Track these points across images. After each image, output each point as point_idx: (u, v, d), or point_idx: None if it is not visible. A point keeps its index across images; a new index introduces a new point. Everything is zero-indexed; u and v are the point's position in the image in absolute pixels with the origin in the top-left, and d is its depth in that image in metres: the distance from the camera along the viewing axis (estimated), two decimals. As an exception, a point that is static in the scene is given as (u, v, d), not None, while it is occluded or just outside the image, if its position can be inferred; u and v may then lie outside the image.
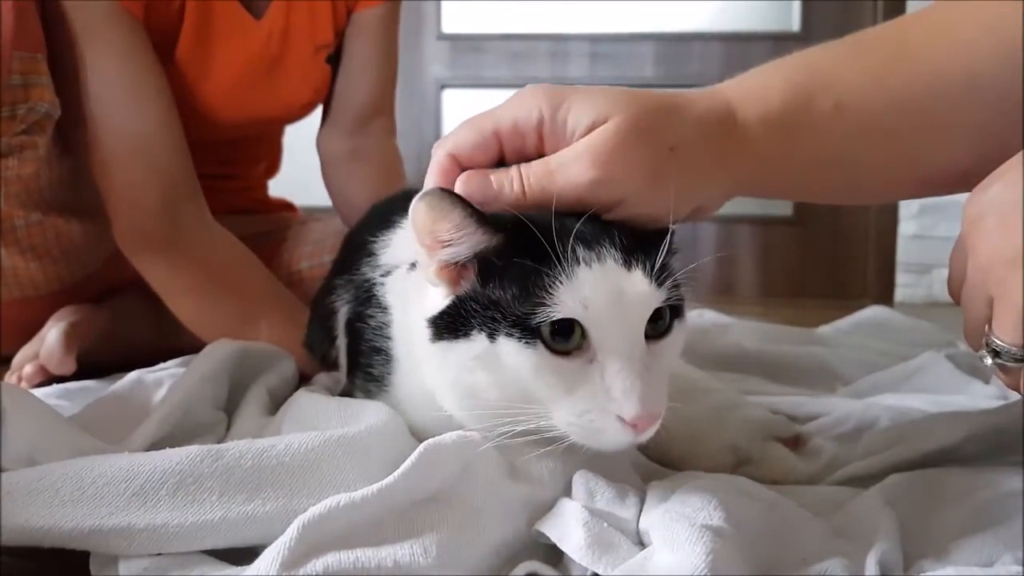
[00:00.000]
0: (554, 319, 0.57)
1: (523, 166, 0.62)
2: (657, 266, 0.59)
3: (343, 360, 0.84)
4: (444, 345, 0.61)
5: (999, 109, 0.65)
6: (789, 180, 0.71)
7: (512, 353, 0.58)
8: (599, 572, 0.53)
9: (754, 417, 0.79)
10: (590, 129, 0.63)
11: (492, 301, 0.59)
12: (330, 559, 0.50)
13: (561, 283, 0.57)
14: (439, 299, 0.62)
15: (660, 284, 0.59)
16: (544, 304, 0.57)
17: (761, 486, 0.63)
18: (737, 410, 0.79)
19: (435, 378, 0.64)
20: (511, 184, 0.62)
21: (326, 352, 0.90)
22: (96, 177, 1.14)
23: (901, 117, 0.67)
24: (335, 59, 1.41)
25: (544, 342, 0.58)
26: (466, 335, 0.60)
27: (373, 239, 0.77)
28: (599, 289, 0.57)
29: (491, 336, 0.59)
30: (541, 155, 0.64)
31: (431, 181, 0.65)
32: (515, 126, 0.65)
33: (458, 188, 0.61)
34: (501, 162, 0.66)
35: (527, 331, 0.57)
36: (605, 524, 0.56)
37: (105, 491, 0.56)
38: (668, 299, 0.59)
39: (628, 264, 0.58)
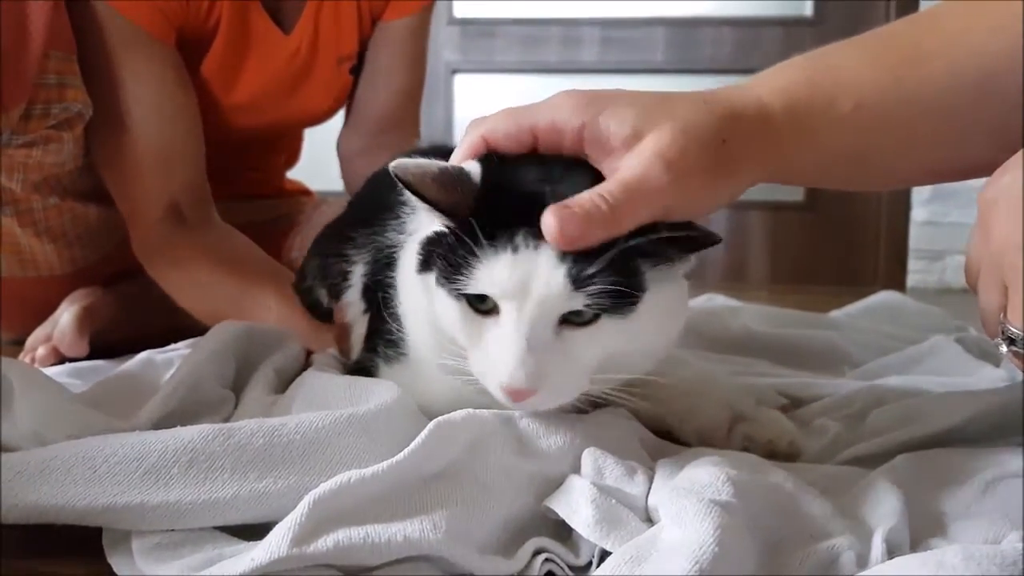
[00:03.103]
0: (468, 292, 0.62)
1: (597, 189, 0.61)
2: (589, 272, 0.59)
3: (359, 328, 0.86)
4: (420, 277, 0.68)
5: (1014, 107, 0.66)
6: (809, 172, 0.73)
7: (443, 300, 0.65)
8: (607, 548, 0.53)
9: (744, 384, 0.84)
10: (634, 135, 0.63)
11: (438, 257, 0.65)
12: (340, 535, 0.51)
13: (481, 264, 0.61)
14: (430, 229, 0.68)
15: (580, 288, 0.60)
16: (464, 277, 0.62)
17: (770, 463, 0.64)
18: (728, 378, 0.81)
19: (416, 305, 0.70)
20: (598, 208, 0.59)
21: (322, 301, 0.94)
22: (109, 182, 1.17)
23: (917, 116, 0.68)
24: (357, 67, 1.41)
25: (466, 299, 0.63)
26: (429, 270, 0.66)
27: (402, 200, 0.77)
28: (511, 274, 0.60)
29: (436, 280, 0.65)
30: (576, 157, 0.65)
31: (458, 155, 0.67)
32: (553, 126, 0.65)
33: (552, 223, 0.59)
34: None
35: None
36: (613, 501, 0.57)
37: (118, 469, 0.57)
38: (590, 304, 0.60)
39: (562, 259, 0.60)
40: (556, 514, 0.58)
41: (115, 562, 0.56)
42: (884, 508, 0.57)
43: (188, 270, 1.17)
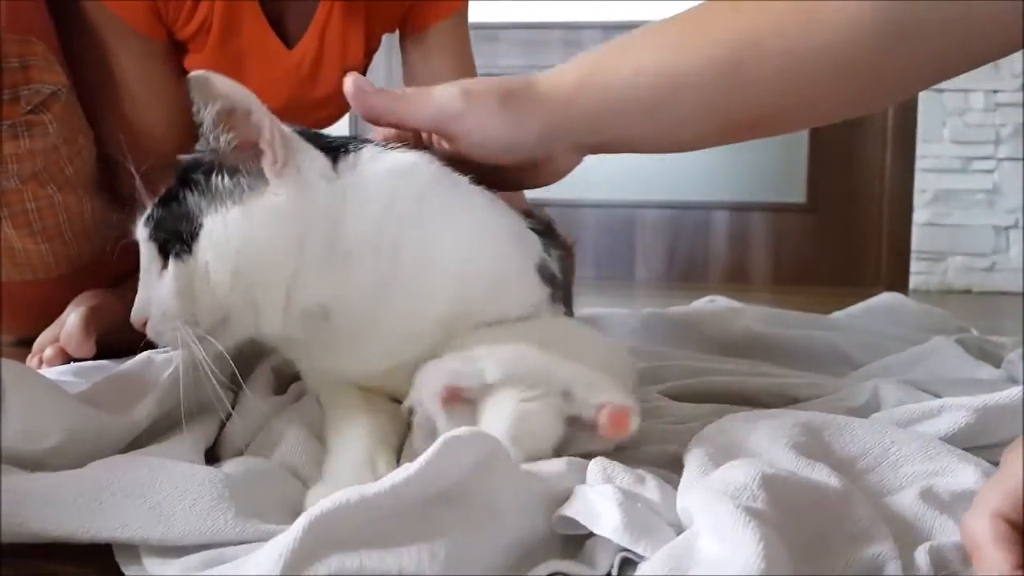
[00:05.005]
0: None
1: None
2: (150, 213, 0.72)
3: None
4: None
5: (779, 68, 0.77)
6: (611, 136, 0.84)
7: None
8: (639, 552, 0.50)
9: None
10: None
11: None
12: (334, 561, 0.48)
13: None
14: None
15: (146, 224, 0.72)
16: None
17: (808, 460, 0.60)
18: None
19: None
20: (390, 91, 0.80)
21: None
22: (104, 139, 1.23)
23: (689, 76, 0.79)
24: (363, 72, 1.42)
25: None
26: None
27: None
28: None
29: None
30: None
31: None
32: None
33: (347, 78, 0.79)
34: None
35: None
36: (639, 504, 0.54)
37: (124, 504, 0.57)
38: (151, 238, 0.72)
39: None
40: (566, 529, 0.55)
41: (123, 561, 0.57)
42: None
43: None
